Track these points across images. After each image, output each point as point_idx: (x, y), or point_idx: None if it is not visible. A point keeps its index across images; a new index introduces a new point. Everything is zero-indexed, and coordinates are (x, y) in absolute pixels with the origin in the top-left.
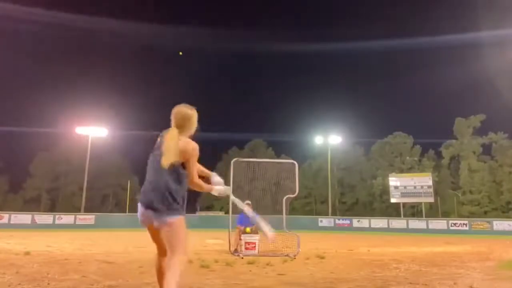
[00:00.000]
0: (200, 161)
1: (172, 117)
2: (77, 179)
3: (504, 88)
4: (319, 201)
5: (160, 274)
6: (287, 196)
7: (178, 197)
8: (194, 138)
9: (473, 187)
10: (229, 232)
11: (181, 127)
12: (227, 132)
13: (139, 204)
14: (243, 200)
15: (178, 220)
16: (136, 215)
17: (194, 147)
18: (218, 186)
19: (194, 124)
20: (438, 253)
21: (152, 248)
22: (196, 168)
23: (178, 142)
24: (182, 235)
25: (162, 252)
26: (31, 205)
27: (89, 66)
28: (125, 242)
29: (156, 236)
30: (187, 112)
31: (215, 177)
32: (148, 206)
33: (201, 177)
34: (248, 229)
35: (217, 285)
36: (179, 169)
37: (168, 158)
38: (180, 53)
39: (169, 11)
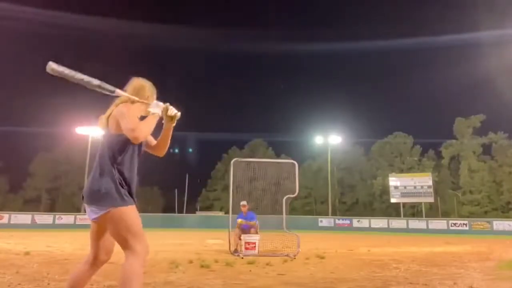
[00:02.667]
0: (200, 160)
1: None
2: (77, 179)
3: (504, 88)
4: (319, 201)
5: (78, 281)
6: (287, 196)
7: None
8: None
9: (473, 187)
10: (229, 232)
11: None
12: (227, 132)
13: None
14: (241, 199)
15: (119, 211)
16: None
17: (120, 107)
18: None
19: (138, 96)
20: (438, 253)
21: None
22: (134, 119)
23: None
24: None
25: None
26: (31, 205)
27: (89, 66)
28: None
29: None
30: (135, 82)
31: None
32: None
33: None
34: (240, 220)
35: (217, 285)
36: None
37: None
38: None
39: (169, 11)
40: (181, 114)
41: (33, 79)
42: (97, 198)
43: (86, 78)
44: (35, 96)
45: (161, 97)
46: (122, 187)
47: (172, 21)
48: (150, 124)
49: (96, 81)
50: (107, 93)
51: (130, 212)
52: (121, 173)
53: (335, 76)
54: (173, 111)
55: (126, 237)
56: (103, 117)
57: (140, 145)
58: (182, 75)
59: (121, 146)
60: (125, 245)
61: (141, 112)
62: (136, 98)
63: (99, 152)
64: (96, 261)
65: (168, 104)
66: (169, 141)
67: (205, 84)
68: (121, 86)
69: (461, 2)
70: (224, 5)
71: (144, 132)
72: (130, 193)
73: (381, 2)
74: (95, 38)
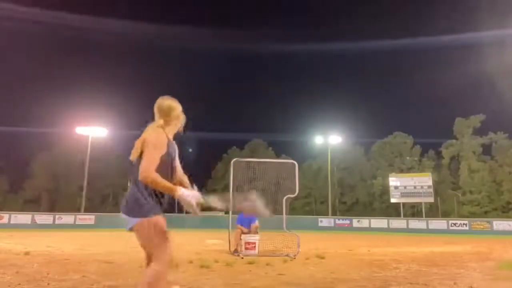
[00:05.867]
0: (200, 160)
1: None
2: (77, 179)
3: (504, 88)
4: (319, 201)
5: None
6: (287, 196)
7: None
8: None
9: (473, 187)
10: (229, 232)
11: (161, 119)
12: (227, 132)
13: None
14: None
15: (145, 222)
16: None
17: (151, 136)
18: (185, 191)
19: (170, 117)
20: (438, 253)
21: None
22: (154, 160)
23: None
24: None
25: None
26: (31, 205)
27: (89, 66)
28: (125, 242)
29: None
30: (161, 103)
31: (190, 191)
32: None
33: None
34: (254, 225)
35: (217, 285)
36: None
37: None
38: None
39: (169, 11)
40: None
41: (33, 79)
42: (127, 210)
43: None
44: (35, 96)
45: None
46: (147, 200)
47: (172, 21)
48: (158, 184)
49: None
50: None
51: (153, 223)
52: (147, 188)
53: (335, 76)
54: (193, 209)
55: (150, 246)
56: (139, 140)
57: (172, 161)
58: (182, 75)
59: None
60: (150, 252)
61: (171, 133)
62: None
63: (137, 167)
64: (150, 261)
65: (195, 196)
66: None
67: (205, 84)
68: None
69: (461, 2)
70: (224, 5)
71: (151, 182)
72: (160, 205)
73: (381, 3)
74: (94, 38)
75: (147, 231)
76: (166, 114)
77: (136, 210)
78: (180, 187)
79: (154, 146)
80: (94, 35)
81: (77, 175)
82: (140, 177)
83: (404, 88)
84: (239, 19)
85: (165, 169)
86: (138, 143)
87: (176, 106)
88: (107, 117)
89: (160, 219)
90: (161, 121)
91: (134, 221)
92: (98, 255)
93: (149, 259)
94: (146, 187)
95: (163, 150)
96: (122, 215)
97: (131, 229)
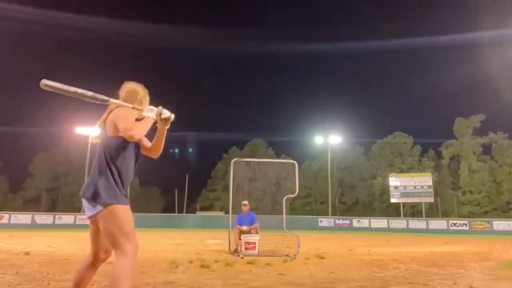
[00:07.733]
0: (200, 160)
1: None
2: (77, 179)
3: (504, 88)
4: (319, 201)
5: (81, 280)
6: (287, 196)
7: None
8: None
9: (473, 187)
10: (229, 232)
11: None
12: (227, 132)
13: None
14: (241, 199)
15: (113, 209)
16: (133, 216)
17: (118, 110)
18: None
19: (132, 98)
20: (438, 253)
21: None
22: (131, 120)
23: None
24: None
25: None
26: (31, 205)
27: (89, 66)
28: None
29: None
30: (128, 86)
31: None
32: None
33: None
34: (245, 228)
35: (217, 285)
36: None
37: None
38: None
39: (168, 11)
40: (181, 115)
41: (32, 79)
42: (93, 195)
43: (79, 90)
44: (35, 96)
45: (161, 98)
46: (117, 187)
47: (171, 21)
48: (145, 125)
49: (89, 93)
50: (101, 102)
51: (124, 212)
52: (117, 173)
53: (335, 76)
54: (166, 114)
55: (118, 236)
56: (101, 120)
57: (137, 148)
58: (182, 75)
59: (117, 148)
60: (116, 244)
61: (136, 115)
62: (129, 105)
63: (98, 153)
64: (95, 260)
65: (161, 107)
66: (163, 143)
67: (205, 84)
68: (118, 88)
69: (461, 2)
70: (224, 5)
71: (139, 131)
72: (124, 194)
73: (381, 2)
74: (93, 38)
75: (113, 220)
76: (130, 96)
77: (102, 196)
78: (144, 112)
79: (124, 114)
80: (94, 35)
81: (77, 175)
82: (127, 136)
83: (404, 88)
84: (240, 19)
85: (127, 153)
86: (101, 124)
87: (139, 90)
88: None
89: (128, 208)
90: (119, 102)
91: (98, 208)
92: None
93: (96, 256)
94: (112, 173)
95: (134, 116)
96: (84, 201)
97: (92, 217)
